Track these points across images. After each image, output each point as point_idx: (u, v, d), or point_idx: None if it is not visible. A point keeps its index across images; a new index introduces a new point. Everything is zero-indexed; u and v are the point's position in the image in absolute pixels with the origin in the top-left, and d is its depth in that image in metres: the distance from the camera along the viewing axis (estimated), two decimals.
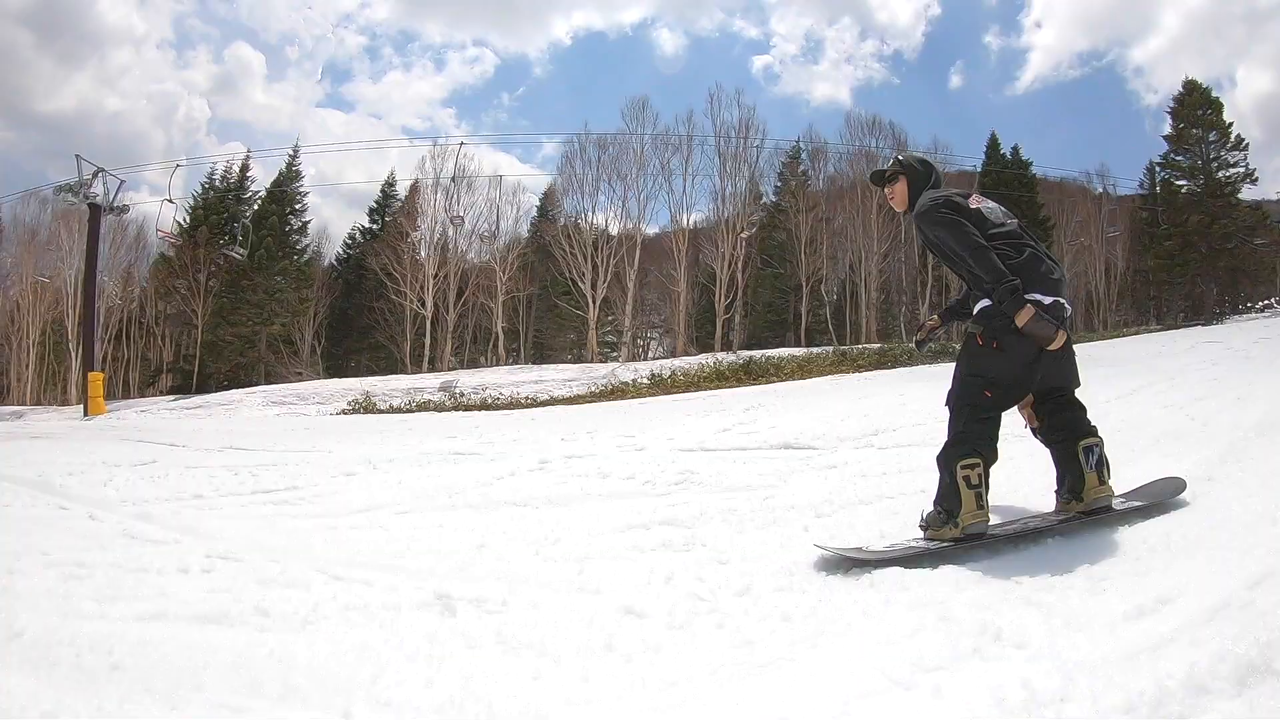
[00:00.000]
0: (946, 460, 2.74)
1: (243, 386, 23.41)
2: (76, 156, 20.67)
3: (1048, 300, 2.72)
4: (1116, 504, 2.87)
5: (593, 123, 58.17)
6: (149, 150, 47.00)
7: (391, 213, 29.12)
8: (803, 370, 17.37)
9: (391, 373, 24.72)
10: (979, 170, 29.36)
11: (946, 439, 2.79)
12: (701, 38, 56.29)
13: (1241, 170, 25.78)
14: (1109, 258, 30.60)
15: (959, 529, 2.64)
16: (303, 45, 53.57)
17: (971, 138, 57.88)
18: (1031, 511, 3.04)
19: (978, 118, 54.08)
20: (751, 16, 58.56)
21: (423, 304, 25.44)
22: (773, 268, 27.37)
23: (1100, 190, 31.44)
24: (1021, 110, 53.46)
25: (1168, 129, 26.74)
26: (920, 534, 2.76)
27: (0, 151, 43.80)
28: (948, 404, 2.86)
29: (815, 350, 21.14)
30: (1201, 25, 49.33)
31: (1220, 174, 25.93)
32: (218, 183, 27.73)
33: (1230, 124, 25.91)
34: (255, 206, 27.12)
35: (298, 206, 27.94)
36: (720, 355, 21.67)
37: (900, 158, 3.17)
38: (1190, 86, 26.05)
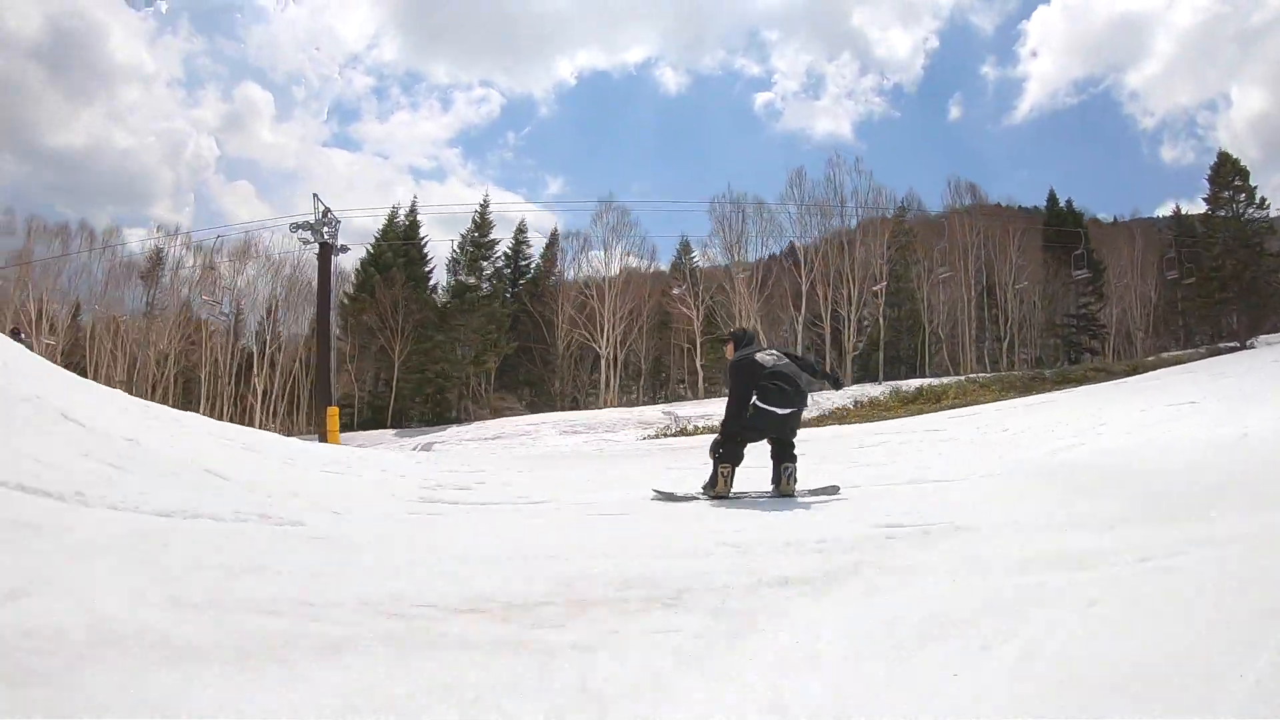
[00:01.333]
0: (716, 460, 4.91)
1: (449, 422, 26.73)
2: (314, 195, 21.92)
3: (781, 412, 4.81)
4: (798, 495, 4.98)
5: (603, 162, 60.41)
6: (158, 187, 47.80)
7: (526, 257, 32.82)
8: (967, 395, 21.51)
9: (549, 408, 28.25)
10: (1026, 210, 34.27)
11: (718, 443, 4.97)
12: (704, 75, 58.12)
13: (1265, 225, 31.16)
14: (1143, 292, 35.58)
15: (714, 496, 4.92)
16: (309, 85, 54.09)
17: (973, 167, 60.95)
18: (755, 491, 5.08)
19: (978, 148, 57.43)
20: (753, 54, 60.41)
21: (597, 342, 29.27)
22: (896, 310, 31.74)
23: (1133, 233, 36.66)
24: (1020, 138, 56.82)
25: (1205, 186, 32.07)
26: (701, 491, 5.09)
27: (10, 185, 45.59)
28: (722, 429, 5.01)
29: (981, 376, 25.33)
30: (1194, 47, 51.07)
31: (1248, 228, 31.26)
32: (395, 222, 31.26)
33: (1255, 188, 31.32)
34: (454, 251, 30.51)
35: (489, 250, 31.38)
36: (869, 386, 25.80)
37: (731, 330, 5.94)
38: (1223, 158, 31.52)
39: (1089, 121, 54.62)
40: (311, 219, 22.24)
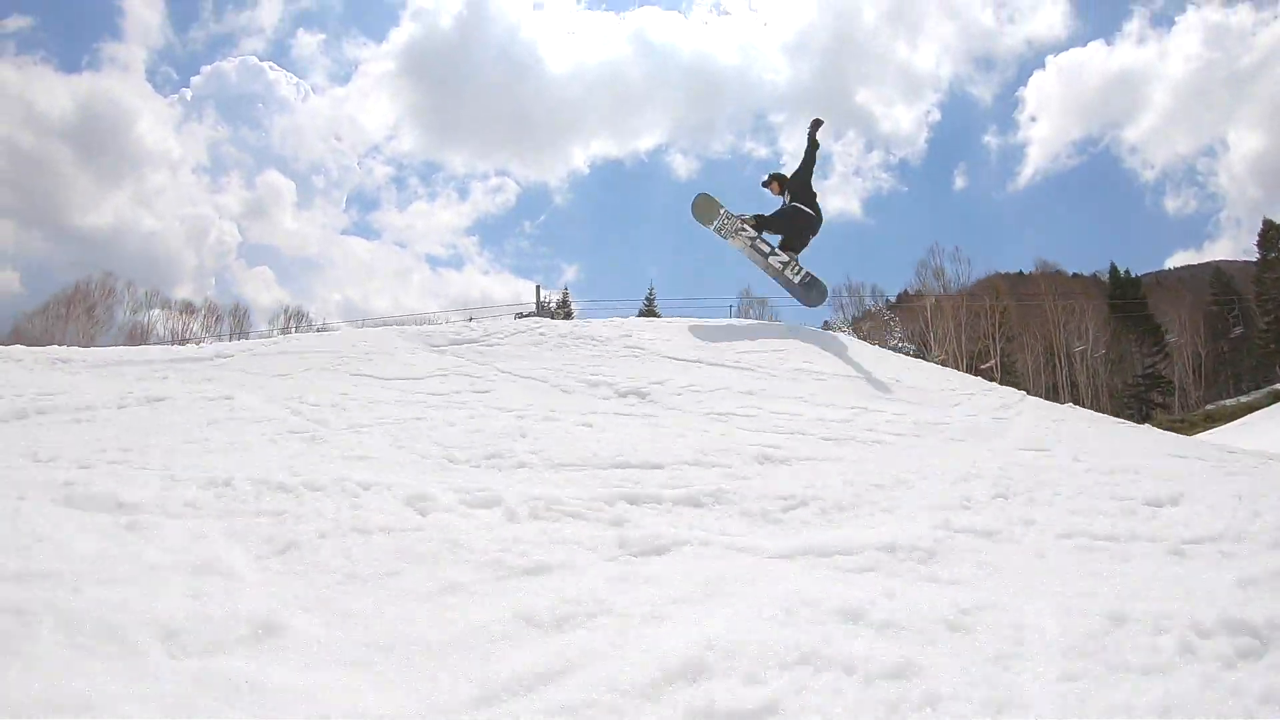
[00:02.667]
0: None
1: None
2: (536, 286, 24.23)
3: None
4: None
5: (617, 248, 59.86)
6: (181, 271, 48.92)
7: None
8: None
9: None
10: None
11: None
12: (713, 160, 60.55)
13: None
14: (1192, 347, 37.83)
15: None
16: (329, 174, 57.22)
17: (981, 233, 61.78)
18: None
19: (983, 215, 59.00)
20: (760, 137, 63.68)
21: None
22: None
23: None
24: (1026, 202, 58.15)
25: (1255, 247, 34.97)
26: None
27: (37, 261, 45.27)
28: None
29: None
30: (1188, 96, 54.03)
31: None
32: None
33: None
34: None
35: None
36: None
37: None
38: (1268, 225, 34.54)
39: (1092, 179, 57.09)
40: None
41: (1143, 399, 36.58)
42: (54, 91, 50.64)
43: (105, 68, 55.33)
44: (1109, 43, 60.49)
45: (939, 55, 65.75)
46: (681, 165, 59.87)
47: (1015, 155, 60.71)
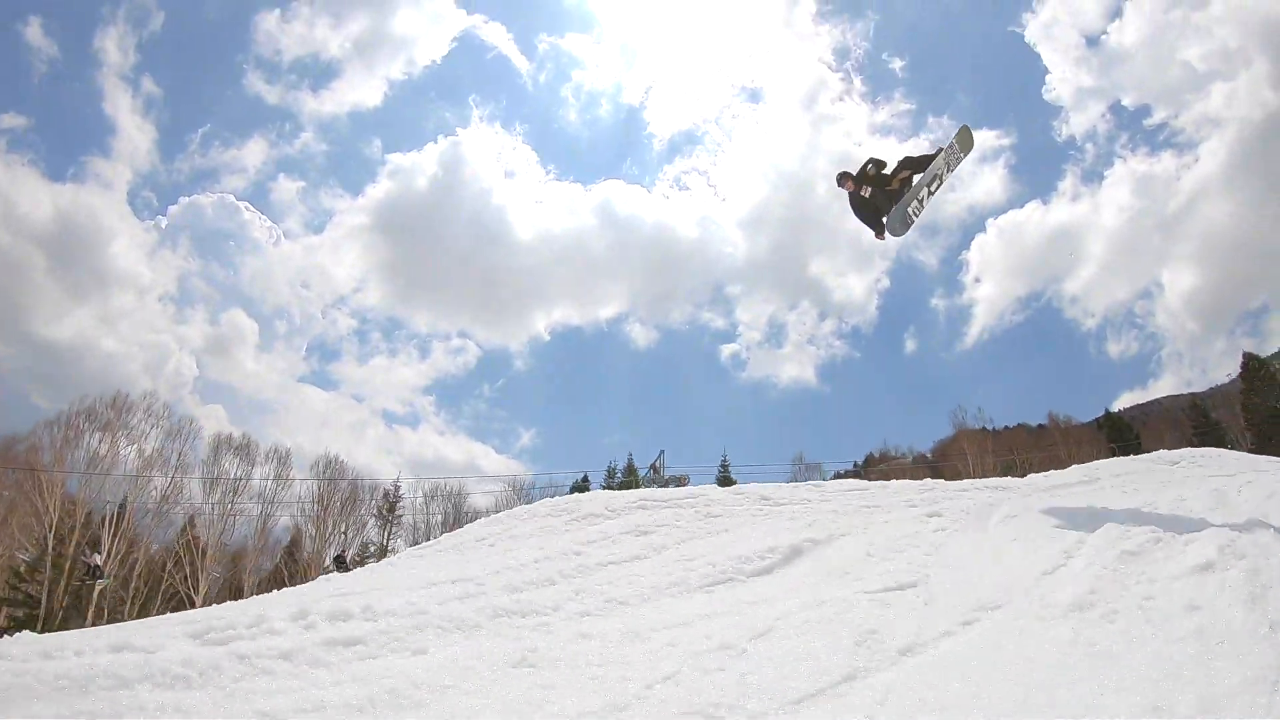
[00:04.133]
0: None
1: None
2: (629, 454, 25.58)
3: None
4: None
5: (575, 414, 59.86)
6: (133, 397, 47.01)
7: None
8: None
9: None
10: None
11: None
12: (672, 330, 61.75)
13: None
14: None
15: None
16: (292, 321, 55.95)
17: (927, 396, 61.79)
18: None
19: (934, 375, 59.38)
20: (718, 308, 65.90)
21: None
22: None
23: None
24: (976, 359, 58.82)
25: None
26: None
27: None
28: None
29: None
30: (1122, 244, 56.47)
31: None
32: None
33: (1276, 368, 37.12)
34: None
35: None
36: None
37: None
38: (1249, 358, 37.84)
39: (1037, 333, 58.42)
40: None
41: None
42: (37, 195, 50.80)
43: (90, 181, 55.82)
44: (1045, 202, 63.25)
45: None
46: (640, 334, 61.50)
47: (962, 316, 63.39)
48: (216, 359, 54.97)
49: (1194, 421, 38.29)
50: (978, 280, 63.43)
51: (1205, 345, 58.92)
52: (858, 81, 69.68)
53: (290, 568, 31.65)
